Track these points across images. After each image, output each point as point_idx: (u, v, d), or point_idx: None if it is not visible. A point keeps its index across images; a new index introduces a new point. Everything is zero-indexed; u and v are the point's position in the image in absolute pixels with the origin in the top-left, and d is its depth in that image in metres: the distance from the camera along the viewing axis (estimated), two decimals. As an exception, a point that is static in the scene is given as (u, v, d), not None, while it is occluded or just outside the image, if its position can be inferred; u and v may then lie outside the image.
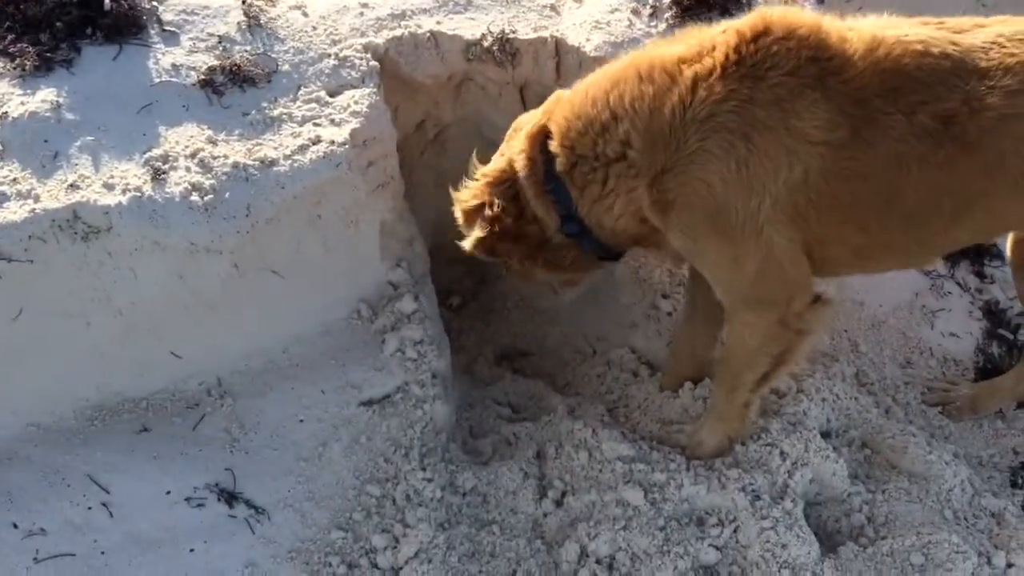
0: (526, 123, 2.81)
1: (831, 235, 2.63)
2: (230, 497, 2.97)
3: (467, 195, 2.82)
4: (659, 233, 2.71)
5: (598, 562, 2.96)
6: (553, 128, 2.68)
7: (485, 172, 2.83)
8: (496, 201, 2.73)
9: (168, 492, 2.94)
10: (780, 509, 3.04)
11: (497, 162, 2.84)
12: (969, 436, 3.52)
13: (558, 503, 3.13)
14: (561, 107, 2.69)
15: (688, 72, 2.47)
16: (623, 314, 3.79)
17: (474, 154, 2.90)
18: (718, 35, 2.55)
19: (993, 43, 2.50)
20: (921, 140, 2.43)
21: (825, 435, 3.31)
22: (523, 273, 2.99)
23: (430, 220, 3.78)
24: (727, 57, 2.46)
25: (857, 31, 2.52)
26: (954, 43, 2.50)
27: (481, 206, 2.77)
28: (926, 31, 2.53)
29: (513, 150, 2.78)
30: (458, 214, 2.85)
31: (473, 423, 3.50)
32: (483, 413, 3.54)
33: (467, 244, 2.81)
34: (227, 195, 2.92)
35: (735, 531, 3.03)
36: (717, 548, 3.00)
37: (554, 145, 2.67)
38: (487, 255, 2.82)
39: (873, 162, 2.46)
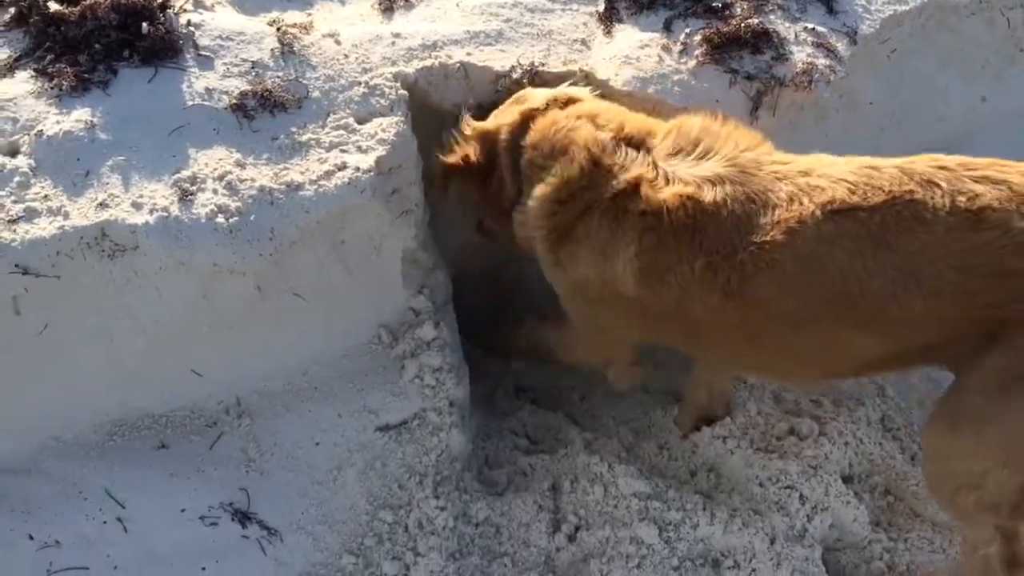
0: (529, 99, 3.13)
1: (667, 343, 3.12)
2: (244, 517, 2.97)
3: (458, 138, 3.21)
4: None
5: (609, 600, 2.93)
6: (531, 132, 3.03)
7: (476, 126, 3.18)
8: (476, 149, 3.14)
9: (183, 509, 2.96)
10: (798, 554, 2.99)
11: (489, 122, 3.18)
12: (996, 486, 3.43)
13: (571, 538, 3.10)
14: (540, 128, 3.00)
15: (587, 196, 2.84)
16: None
17: (465, 109, 3.24)
18: (621, 173, 2.80)
19: (787, 198, 2.61)
20: (701, 285, 2.69)
21: (847, 480, 3.26)
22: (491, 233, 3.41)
23: (453, 248, 3.80)
24: (607, 199, 2.80)
25: (680, 193, 2.71)
26: (752, 198, 2.65)
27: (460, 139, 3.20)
28: (733, 189, 2.68)
29: (506, 119, 3.12)
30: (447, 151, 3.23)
31: (489, 453, 3.48)
32: (500, 443, 3.52)
33: (440, 161, 3.20)
34: (252, 218, 2.96)
35: (751, 574, 2.98)
36: (731, 591, 2.95)
37: (525, 144, 3.03)
38: (444, 184, 3.25)
39: (671, 297, 2.76)
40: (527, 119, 3.05)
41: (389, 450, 3.16)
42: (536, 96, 3.14)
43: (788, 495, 3.12)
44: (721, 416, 3.38)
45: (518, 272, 4.01)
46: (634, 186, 2.77)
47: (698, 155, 2.80)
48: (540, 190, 2.93)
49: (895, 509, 3.30)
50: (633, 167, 2.81)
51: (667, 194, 2.71)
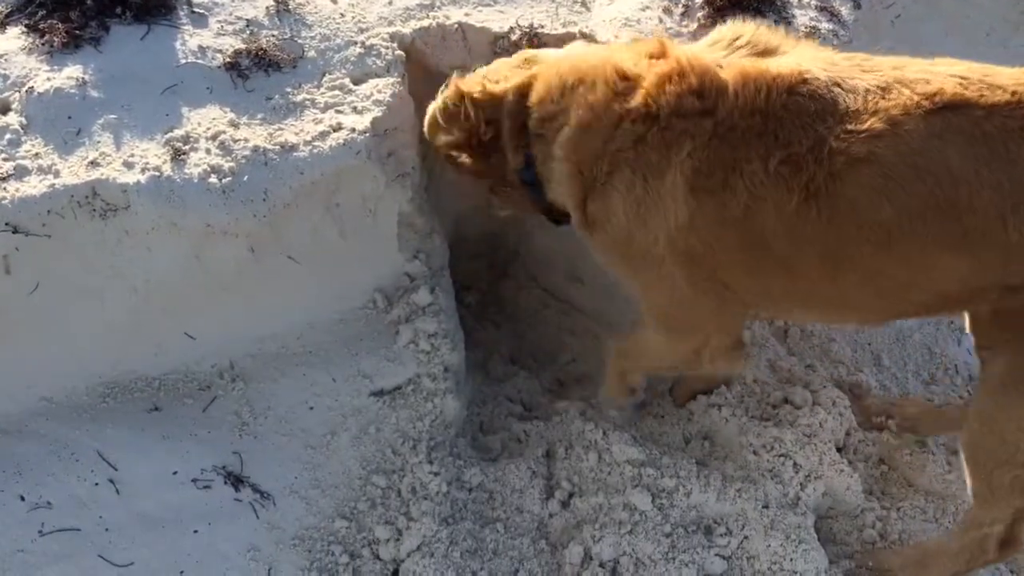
0: (540, 60, 2.79)
1: (728, 279, 2.61)
2: (236, 481, 2.97)
3: (451, 97, 2.83)
4: None
5: (601, 566, 2.93)
6: (535, 86, 2.69)
7: (487, 91, 2.78)
8: (479, 114, 2.76)
9: (175, 472, 2.94)
10: (791, 521, 2.99)
11: (497, 86, 2.79)
12: (991, 457, 3.43)
13: (564, 504, 3.10)
14: (547, 73, 2.68)
15: (617, 107, 2.49)
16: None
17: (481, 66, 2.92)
18: (651, 68, 2.49)
19: (881, 86, 2.30)
20: (776, 187, 2.34)
21: (841, 449, 3.25)
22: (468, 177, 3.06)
23: (451, 214, 3.76)
24: (642, 100, 2.46)
25: (742, 69, 2.41)
26: (838, 83, 2.33)
27: (459, 112, 2.79)
28: (823, 64, 2.39)
29: (512, 82, 2.76)
30: (437, 110, 2.87)
31: (484, 419, 3.47)
32: (494, 409, 3.51)
33: (440, 142, 2.88)
34: (245, 178, 2.91)
35: (743, 541, 2.99)
36: (724, 558, 2.96)
37: (531, 102, 2.69)
38: (448, 157, 2.92)
39: (738, 210, 2.40)
40: (527, 85, 2.73)
41: (383, 415, 3.15)
42: (547, 55, 2.82)
43: (782, 463, 3.11)
44: (716, 385, 3.36)
45: (516, 239, 3.99)
46: (679, 80, 2.38)
47: (755, 52, 2.49)
48: (562, 137, 2.58)
49: (888, 478, 3.29)
50: (674, 63, 2.41)
51: (729, 73, 2.37)
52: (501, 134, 2.78)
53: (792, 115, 2.31)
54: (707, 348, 2.79)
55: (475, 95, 2.77)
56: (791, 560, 2.92)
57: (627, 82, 2.49)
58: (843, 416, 3.29)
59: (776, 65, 2.41)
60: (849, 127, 2.25)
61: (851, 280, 2.45)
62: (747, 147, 2.34)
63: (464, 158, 2.89)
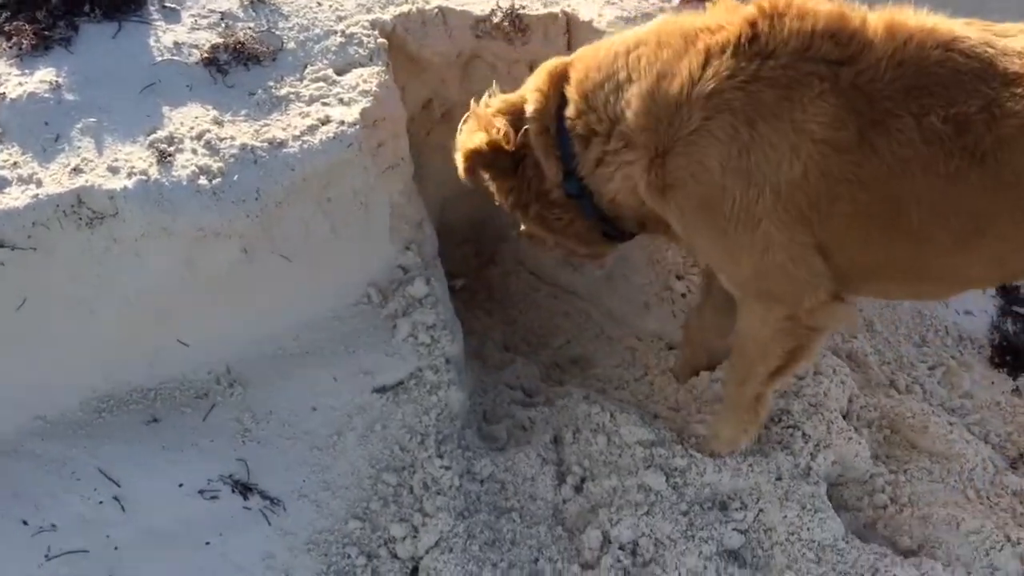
0: (549, 64, 2.66)
1: (833, 244, 2.40)
2: (244, 488, 2.89)
3: (477, 118, 2.65)
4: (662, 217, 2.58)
5: (621, 548, 2.91)
6: (573, 73, 2.52)
7: (502, 99, 2.66)
8: (502, 126, 2.55)
9: (181, 484, 2.86)
10: (804, 491, 3.00)
11: (511, 96, 2.67)
12: (987, 413, 3.48)
13: (578, 489, 3.08)
14: (586, 54, 2.54)
15: (701, 44, 2.31)
16: (635, 294, 3.73)
17: (495, 84, 2.75)
18: (742, 9, 2.37)
19: None
20: (930, 146, 2.17)
21: (845, 416, 3.27)
22: (536, 236, 2.88)
23: (437, 201, 3.70)
24: (741, 32, 2.27)
25: (891, 18, 2.27)
26: (989, 44, 2.21)
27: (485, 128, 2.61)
28: (962, 26, 2.29)
29: (529, 87, 2.61)
30: (461, 135, 2.68)
31: (487, 408, 3.43)
32: (496, 398, 3.47)
33: (459, 155, 2.64)
34: (236, 178, 2.82)
35: (759, 514, 2.99)
36: (741, 532, 2.96)
37: (570, 90, 2.51)
38: (473, 176, 2.66)
39: (876, 169, 2.22)
40: (557, 78, 2.54)
41: (388, 412, 3.09)
42: (559, 59, 2.67)
43: (791, 434, 3.13)
44: (719, 362, 3.35)
45: (503, 224, 3.94)
46: (799, 18, 2.17)
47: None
48: (627, 95, 2.34)
49: (892, 441, 3.33)
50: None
51: (875, 22, 2.17)
52: (527, 150, 2.59)
53: (950, 72, 2.16)
54: (801, 311, 2.52)
55: (499, 98, 2.63)
56: (808, 529, 2.93)
57: (705, 30, 2.32)
58: (844, 384, 3.31)
59: (923, 18, 2.26)
60: (1017, 91, 2.11)
61: (987, 251, 2.29)
62: (893, 101, 2.16)
63: (494, 176, 2.68)
